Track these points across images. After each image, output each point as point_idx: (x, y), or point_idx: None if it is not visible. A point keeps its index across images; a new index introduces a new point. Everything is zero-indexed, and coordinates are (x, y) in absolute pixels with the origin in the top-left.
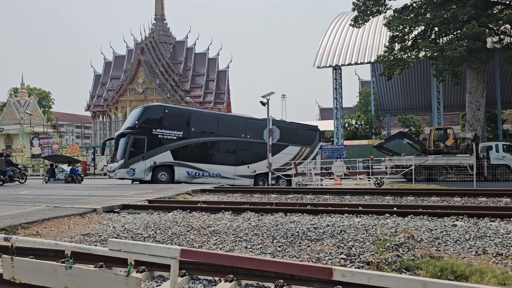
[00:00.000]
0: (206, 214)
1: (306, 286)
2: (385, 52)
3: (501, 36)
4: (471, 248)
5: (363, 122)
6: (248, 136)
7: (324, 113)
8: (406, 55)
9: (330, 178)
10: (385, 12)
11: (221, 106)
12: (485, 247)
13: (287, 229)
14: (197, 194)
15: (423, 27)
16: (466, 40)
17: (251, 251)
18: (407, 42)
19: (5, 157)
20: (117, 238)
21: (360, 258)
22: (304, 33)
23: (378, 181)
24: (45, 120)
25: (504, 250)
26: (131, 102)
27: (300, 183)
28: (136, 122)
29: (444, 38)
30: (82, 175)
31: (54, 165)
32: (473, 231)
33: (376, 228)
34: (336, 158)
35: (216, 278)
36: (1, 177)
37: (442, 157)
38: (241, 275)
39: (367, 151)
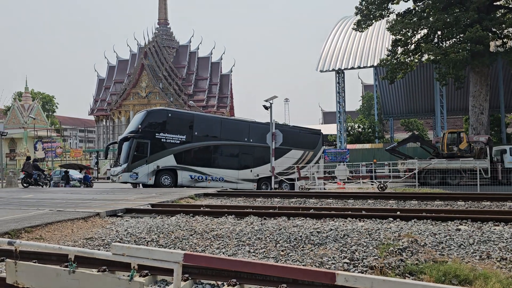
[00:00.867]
0: (209, 218)
1: None
2: (388, 55)
3: (504, 40)
4: (475, 252)
5: (366, 126)
6: (251, 140)
7: (327, 117)
8: (409, 58)
9: (333, 182)
10: (388, 16)
11: (224, 110)
12: (489, 251)
13: (290, 233)
14: (200, 198)
15: (426, 31)
16: (469, 44)
17: (254, 255)
18: (410, 45)
19: (33, 162)
20: (120, 242)
21: (364, 263)
22: (307, 37)
23: (382, 185)
24: (48, 124)
25: (508, 254)
26: (135, 106)
27: (303, 187)
28: (139, 126)
29: (447, 42)
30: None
31: (68, 172)
32: (477, 236)
33: (379, 232)
34: (339, 162)
35: (219, 283)
36: (28, 179)
37: (456, 160)
38: (244, 280)
39: (370, 155)
